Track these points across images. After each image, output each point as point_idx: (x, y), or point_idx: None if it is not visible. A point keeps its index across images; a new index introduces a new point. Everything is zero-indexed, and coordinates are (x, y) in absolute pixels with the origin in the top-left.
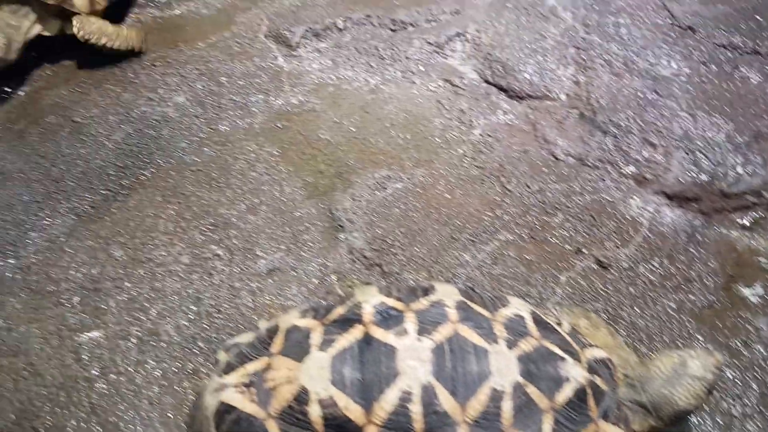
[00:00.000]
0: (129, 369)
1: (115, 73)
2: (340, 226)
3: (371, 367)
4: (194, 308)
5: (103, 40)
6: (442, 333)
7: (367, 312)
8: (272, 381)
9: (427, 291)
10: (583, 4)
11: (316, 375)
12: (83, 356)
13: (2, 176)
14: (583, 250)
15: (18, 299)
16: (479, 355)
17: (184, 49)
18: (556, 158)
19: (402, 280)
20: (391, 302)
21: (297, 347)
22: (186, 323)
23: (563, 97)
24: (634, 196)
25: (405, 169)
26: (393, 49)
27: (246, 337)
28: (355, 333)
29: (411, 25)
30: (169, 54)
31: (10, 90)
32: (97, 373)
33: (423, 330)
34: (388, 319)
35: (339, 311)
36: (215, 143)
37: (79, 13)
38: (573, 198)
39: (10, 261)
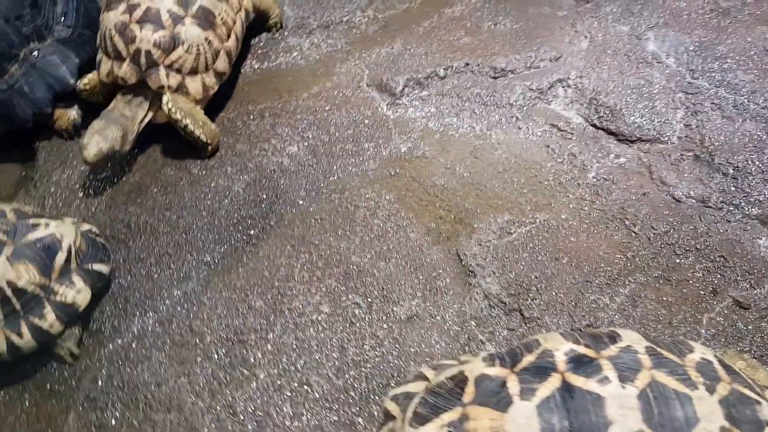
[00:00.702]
0: (285, 422)
1: (224, 125)
2: (471, 271)
3: (579, 415)
4: (341, 358)
5: (188, 122)
6: (642, 380)
7: (560, 360)
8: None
9: (613, 337)
10: (685, 51)
11: (524, 424)
12: (238, 410)
13: (128, 230)
14: (720, 290)
15: (163, 353)
16: (683, 401)
17: (288, 99)
18: (678, 200)
19: (544, 325)
20: (581, 349)
21: (493, 396)
22: (334, 373)
23: (675, 140)
24: (761, 237)
25: (525, 213)
26: (495, 96)
27: (417, 386)
28: (554, 381)
29: (511, 72)
30: (275, 105)
31: None
32: (253, 428)
33: (623, 377)
34: (583, 366)
35: (528, 359)
36: (333, 191)
37: (195, 101)
38: (701, 239)
39: (149, 314)
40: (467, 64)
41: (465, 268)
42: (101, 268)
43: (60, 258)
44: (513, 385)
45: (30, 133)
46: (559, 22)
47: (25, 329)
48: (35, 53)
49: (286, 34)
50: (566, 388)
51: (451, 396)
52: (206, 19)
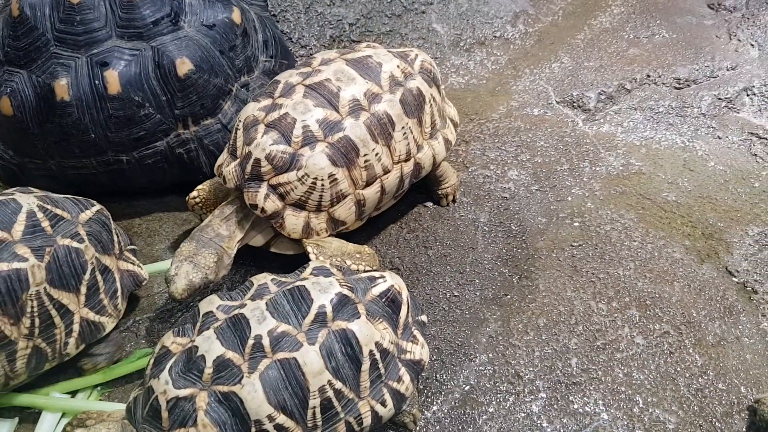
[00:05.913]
0: None
1: None
2: (751, 288)
3: None
4: (676, 389)
5: (347, 263)
6: None
7: None
8: None
9: None
10: None
11: None
12: None
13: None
14: None
15: (499, 405)
16: None
17: (480, 121)
18: None
19: None
20: None
21: None
22: (679, 407)
23: None
24: None
25: None
26: (686, 107)
27: None
28: None
29: (693, 82)
30: (470, 129)
31: None
32: None
33: None
34: None
35: None
36: (571, 215)
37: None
38: None
39: (467, 364)
40: (648, 76)
41: (743, 285)
42: (424, 318)
43: (403, 312)
44: None
45: None
46: (712, 30)
47: (387, 396)
48: (245, 88)
49: (446, 52)
50: None
51: None
52: (344, 154)
